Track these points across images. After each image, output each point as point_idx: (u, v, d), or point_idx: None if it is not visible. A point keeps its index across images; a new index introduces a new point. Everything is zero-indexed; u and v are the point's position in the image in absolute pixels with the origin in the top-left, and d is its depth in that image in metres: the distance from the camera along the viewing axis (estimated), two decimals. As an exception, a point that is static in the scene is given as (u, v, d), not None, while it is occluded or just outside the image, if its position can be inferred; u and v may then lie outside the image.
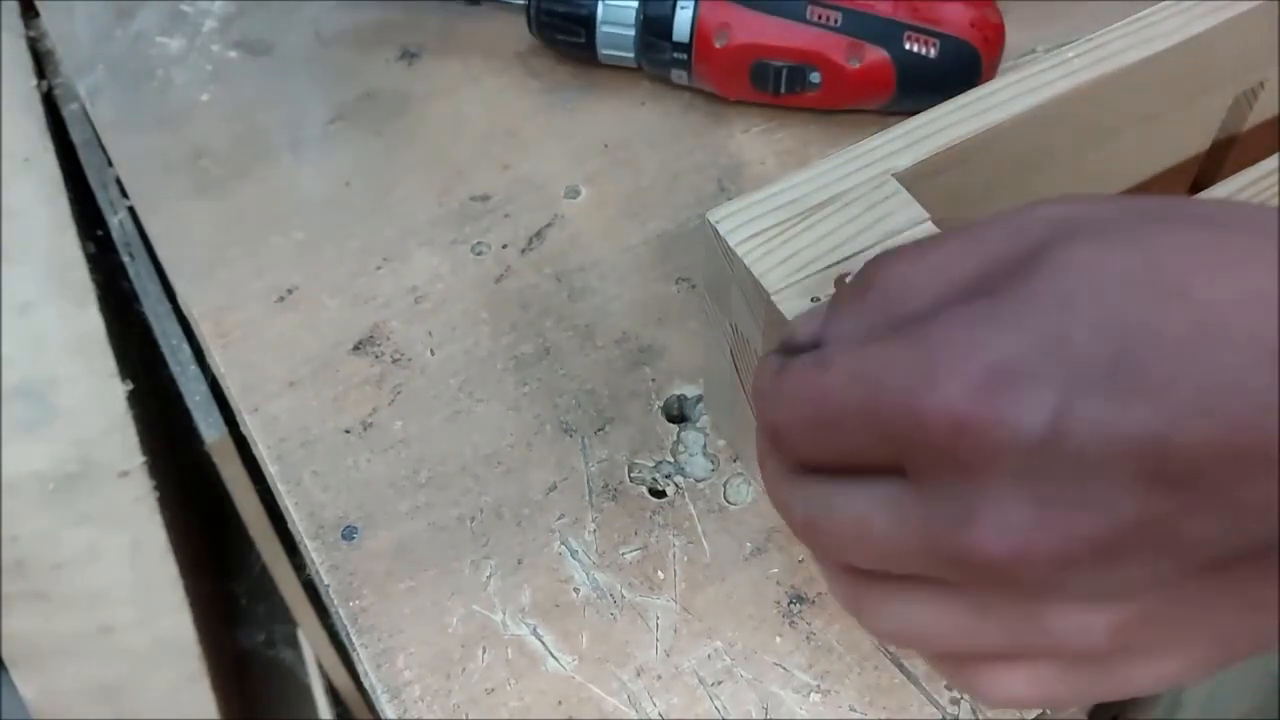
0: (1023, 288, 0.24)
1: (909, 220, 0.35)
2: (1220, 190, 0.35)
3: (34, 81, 0.59)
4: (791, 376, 0.28)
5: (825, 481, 0.28)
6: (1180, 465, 0.22)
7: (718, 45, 0.50)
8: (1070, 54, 0.38)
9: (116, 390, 0.58)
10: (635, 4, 0.51)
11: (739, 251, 0.34)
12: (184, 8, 0.58)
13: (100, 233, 0.59)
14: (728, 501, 0.42)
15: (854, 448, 0.27)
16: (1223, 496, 0.22)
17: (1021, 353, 0.23)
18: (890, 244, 0.34)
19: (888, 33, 0.49)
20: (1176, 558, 0.23)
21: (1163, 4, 0.39)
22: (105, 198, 0.57)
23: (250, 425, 0.45)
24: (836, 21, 0.49)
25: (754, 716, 0.38)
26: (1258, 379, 0.21)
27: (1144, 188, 0.43)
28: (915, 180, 0.36)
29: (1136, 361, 0.22)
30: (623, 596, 0.40)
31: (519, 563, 0.41)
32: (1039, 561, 0.23)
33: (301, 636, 0.83)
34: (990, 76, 0.50)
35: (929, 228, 0.35)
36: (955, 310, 0.25)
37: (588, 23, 0.52)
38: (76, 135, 0.58)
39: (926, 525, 0.25)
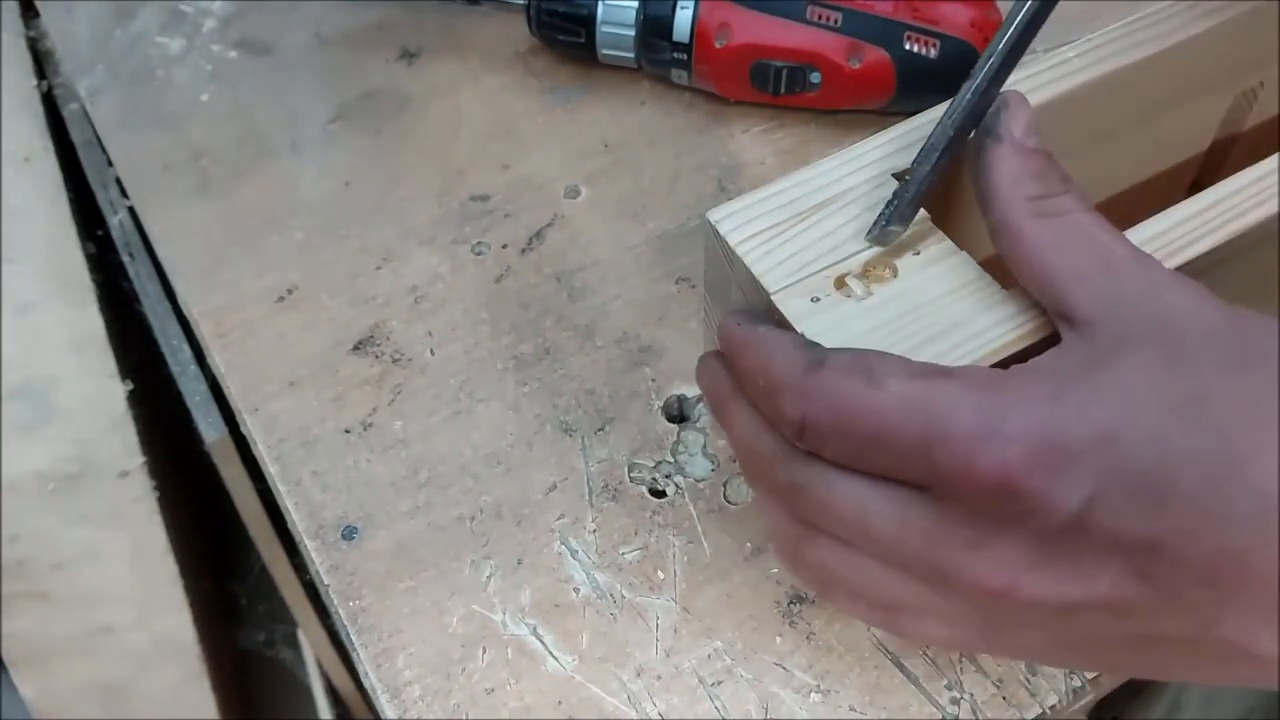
0: (1097, 376, 0.27)
1: (909, 220, 0.35)
2: (1220, 190, 0.35)
3: (34, 81, 0.59)
4: (834, 383, 0.29)
5: (830, 466, 0.30)
6: (1164, 569, 0.26)
7: (718, 45, 0.50)
8: (1070, 54, 0.38)
9: (116, 390, 0.58)
10: (635, 4, 0.51)
11: (739, 251, 0.34)
12: (184, 8, 0.58)
13: (100, 233, 0.59)
14: (728, 501, 0.42)
15: (885, 463, 0.29)
16: (1183, 603, 0.27)
17: (1079, 440, 0.26)
18: (890, 244, 0.34)
19: (888, 33, 0.49)
20: (1116, 627, 0.28)
21: (1162, 4, 0.39)
22: (105, 198, 0.57)
23: (250, 425, 0.45)
24: (836, 21, 0.49)
25: (754, 716, 0.38)
26: (1255, 525, 0.25)
27: (1144, 188, 0.43)
28: (915, 180, 0.36)
29: (1166, 478, 0.26)
30: (623, 596, 0.40)
31: (519, 563, 0.41)
32: (1019, 599, 0.28)
33: (301, 636, 0.83)
34: (990, 76, 0.50)
35: (928, 228, 0.35)
36: (1028, 376, 0.28)
37: (588, 23, 0.52)
38: (76, 135, 0.58)
39: (932, 537, 0.28)
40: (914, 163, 0.34)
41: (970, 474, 0.27)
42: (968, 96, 0.33)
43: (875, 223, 0.34)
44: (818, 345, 0.31)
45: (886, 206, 0.34)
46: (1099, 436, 0.26)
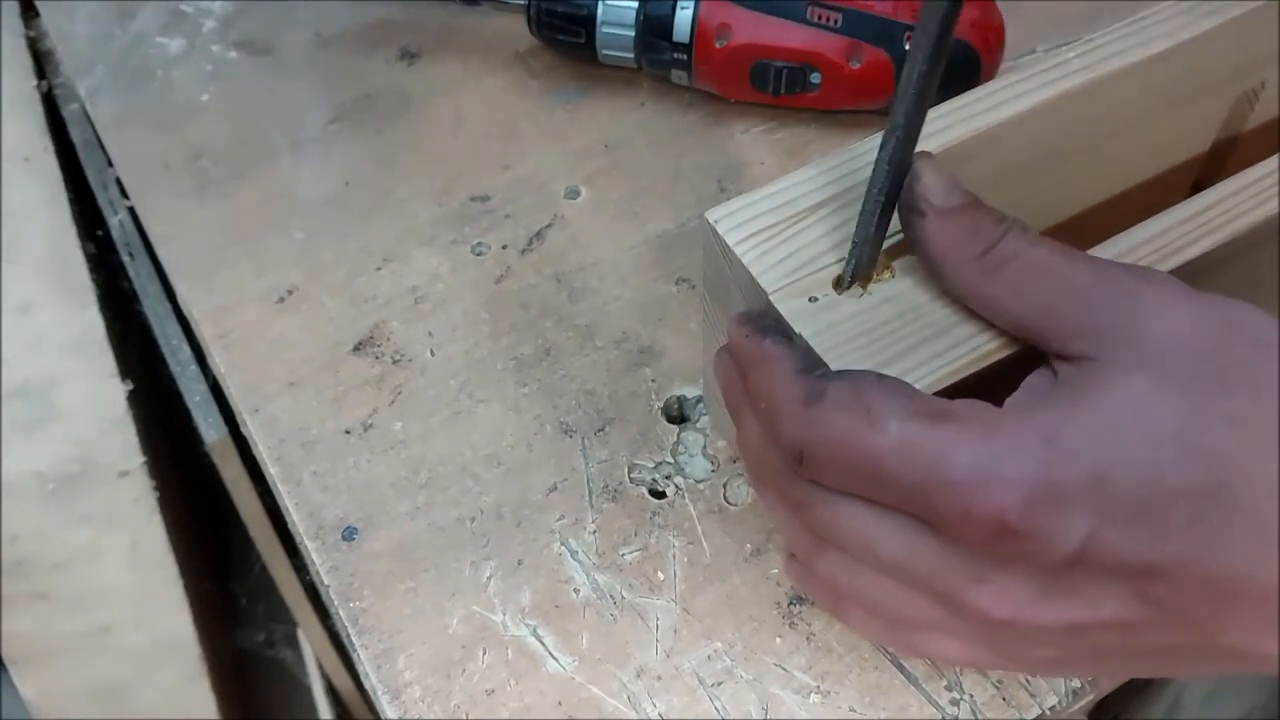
0: (1087, 413, 0.27)
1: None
2: (1220, 190, 0.35)
3: (34, 81, 0.59)
4: (834, 418, 0.29)
5: (836, 494, 0.30)
6: (1166, 592, 0.27)
7: (718, 45, 0.50)
8: (1070, 54, 0.38)
9: (116, 390, 0.58)
10: (635, 4, 0.51)
11: (737, 251, 0.34)
12: (184, 8, 0.58)
13: (100, 233, 0.59)
14: (728, 502, 0.42)
15: (884, 500, 0.29)
16: (1186, 620, 0.27)
17: (1074, 482, 0.27)
18: (887, 244, 0.34)
19: (888, 33, 0.49)
20: (1122, 642, 0.29)
21: (1162, 4, 0.39)
22: (105, 198, 0.57)
23: (250, 425, 0.45)
24: (836, 22, 0.49)
25: (754, 717, 0.38)
26: (1252, 546, 0.26)
27: (1144, 188, 0.43)
28: (915, 181, 0.36)
29: (1162, 509, 0.26)
30: (623, 597, 0.40)
31: (519, 563, 0.41)
32: (1025, 627, 0.28)
33: (301, 636, 0.83)
34: (990, 77, 0.50)
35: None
36: (1023, 416, 0.28)
37: (588, 23, 0.52)
38: (76, 135, 0.58)
39: (937, 566, 0.28)
40: (855, 235, 0.33)
41: (969, 519, 0.27)
42: (885, 166, 0.31)
43: (840, 277, 0.34)
44: (819, 366, 0.31)
45: (845, 267, 0.33)
46: (1093, 477, 0.27)
